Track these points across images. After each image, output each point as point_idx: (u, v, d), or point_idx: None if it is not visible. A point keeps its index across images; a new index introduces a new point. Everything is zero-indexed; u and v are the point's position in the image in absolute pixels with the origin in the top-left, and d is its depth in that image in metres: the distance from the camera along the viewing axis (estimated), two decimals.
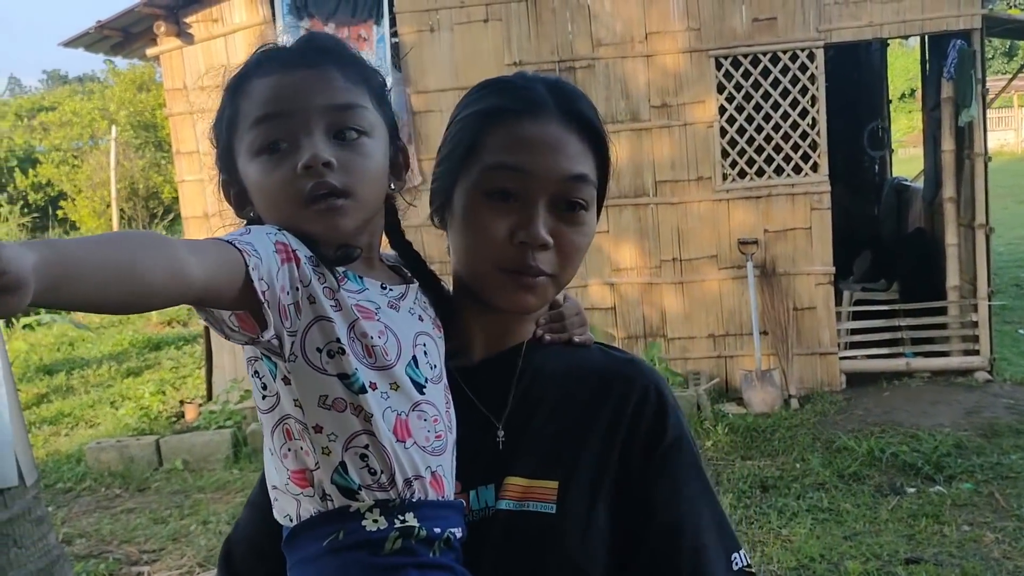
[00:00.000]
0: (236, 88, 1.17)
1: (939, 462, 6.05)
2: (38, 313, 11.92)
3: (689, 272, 8.05)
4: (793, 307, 7.91)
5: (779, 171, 7.87)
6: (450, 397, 1.23)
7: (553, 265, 1.24)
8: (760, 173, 7.90)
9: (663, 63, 7.89)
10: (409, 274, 1.29)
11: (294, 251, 1.06)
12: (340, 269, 1.13)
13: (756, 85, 7.82)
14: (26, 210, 20.37)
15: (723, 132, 7.88)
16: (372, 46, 7.82)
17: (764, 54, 7.76)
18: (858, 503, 5.55)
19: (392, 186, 1.24)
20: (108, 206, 18.10)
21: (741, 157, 7.91)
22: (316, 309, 1.07)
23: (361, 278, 1.16)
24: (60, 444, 8.39)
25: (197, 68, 8.35)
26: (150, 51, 8.67)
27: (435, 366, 1.21)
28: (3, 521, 3.57)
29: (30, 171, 21.26)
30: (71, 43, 8.60)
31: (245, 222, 1.19)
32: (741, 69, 7.78)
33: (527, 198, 1.22)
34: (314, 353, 1.08)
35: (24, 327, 12.65)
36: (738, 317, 8.00)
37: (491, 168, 1.23)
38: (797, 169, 7.85)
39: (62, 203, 20.54)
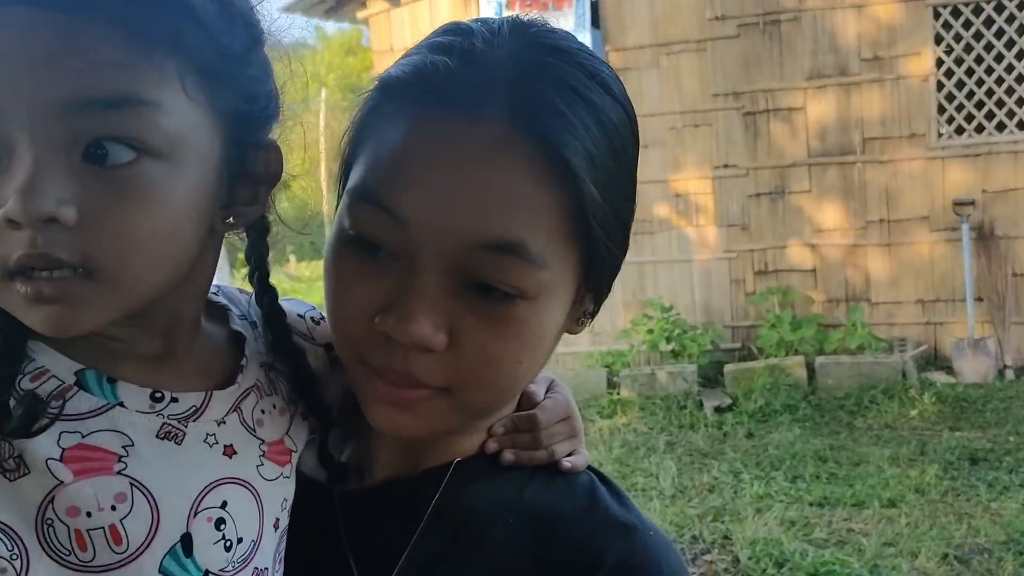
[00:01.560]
0: None
1: None
2: None
3: (897, 234, 7.69)
4: (1012, 272, 7.42)
5: (1001, 127, 7.38)
6: None
7: (445, 376, 0.75)
8: (979, 130, 7.44)
9: (875, 14, 7.51)
10: (263, 348, 0.84)
11: None
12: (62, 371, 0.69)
13: (977, 35, 7.33)
14: None
15: (939, 86, 7.45)
16: (571, 3, 7.85)
17: (987, 2, 7.25)
18: None
19: (230, 219, 0.75)
20: (316, 165, 19.16)
21: (959, 112, 7.45)
22: None
23: (112, 382, 0.70)
24: None
25: (403, 31, 8.64)
26: (360, 14, 9.06)
27: (246, 538, 0.75)
28: None
29: None
30: (290, 8, 9.12)
31: None
32: (961, 19, 7.30)
33: (407, 259, 0.73)
34: None
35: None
36: (950, 282, 7.59)
37: (353, 196, 0.75)
38: (1021, 125, 7.32)
39: None
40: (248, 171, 0.74)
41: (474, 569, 0.81)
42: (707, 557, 4.34)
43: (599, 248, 0.76)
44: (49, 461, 0.65)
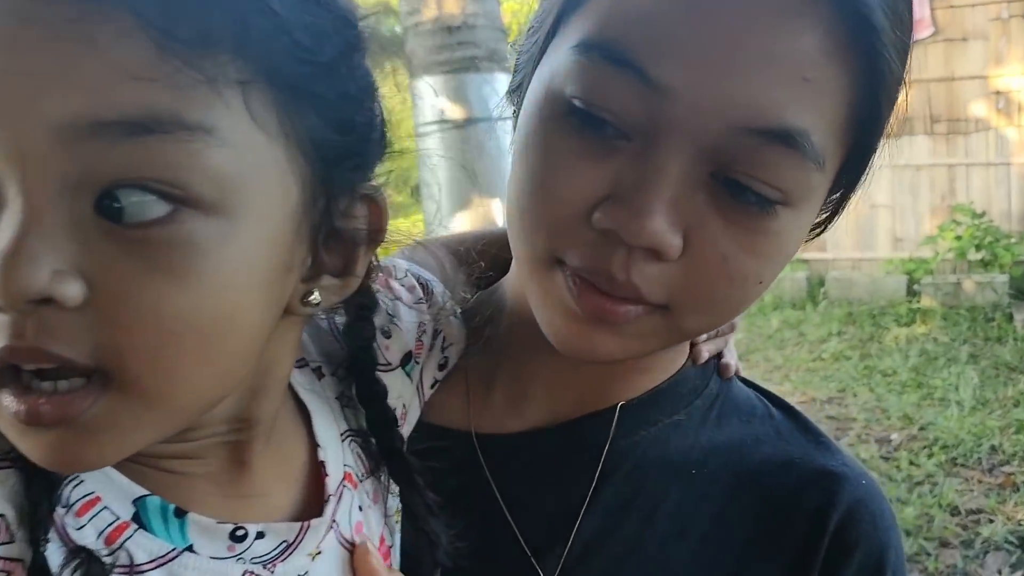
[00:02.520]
0: None
1: None
2: None
3: None
4: None
5: None
6: None
7: (669, 290, 0.61)
8: None
9: None
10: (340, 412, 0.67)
11: None
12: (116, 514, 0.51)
13: None
14: None
15: None
16: None
17: None
18: None
19: (313, 296, 0.54)
20: None
21: None
22: None
23: (181, 515, 0.52)
24: None
25: None
26: None
27: None
28: None
29: None
30: None
31: None
32: None
33: (647, 140, 0.58)
34: None
35: None
36: None
37: (586, 52, 0.59)
38: None
39: None
40: (340, 228, 0.53)
41: (660, 524, 0.72)
42: (1005, 468, 4.24)
43: (874, 144, 0.63)
44: None
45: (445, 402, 0.78)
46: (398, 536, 0.69)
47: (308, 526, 0.58)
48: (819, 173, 0.60)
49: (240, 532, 0.54)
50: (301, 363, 0.66)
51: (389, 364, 0.71)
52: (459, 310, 0.78)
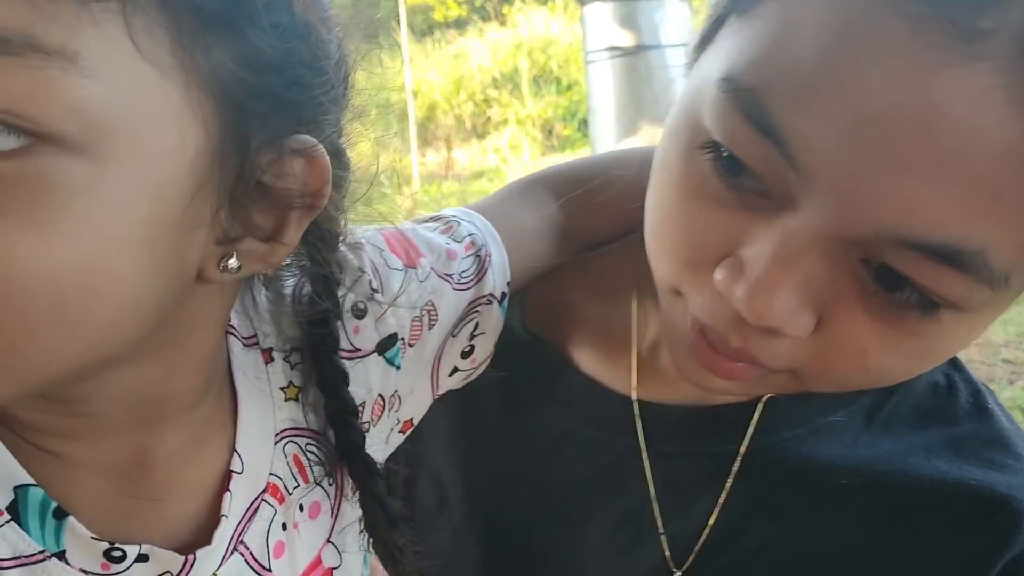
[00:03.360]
0: None
1: None
2: None
3: None
4: None
5: None
6: None
7: (796, 360, 0.52)
8: None
9: None
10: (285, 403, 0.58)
11: None
12: None
13: None
14: None
15: None
16: None
17: None
18: None
19: (230, 261, 0.46)
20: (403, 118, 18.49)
21: None
22: None
23: (60, 517, 0.47)
24: None
25: None
26: None
27: None
28: None
29: None
30: None
31: None
32: None
33: (791, 207, 0.47)
34: None
35: None
36: None
37: (725, 90, 0.47)
38: None
39: None
40: (268, 185, 0.45)
41: (798, 532, 0.65)
42: None
43: None
44: None
45: (609, 362, 0.72)
46: (362, 555, 0.61)
47: (194, 559, 0.49)
48: (1002, 291, 0.46)
49: (117, 553, 0.47)
50: (250, 341, 0.57)
51: (357, 350, 0.60)
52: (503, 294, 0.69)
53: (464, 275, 0.66)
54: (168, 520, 0.51)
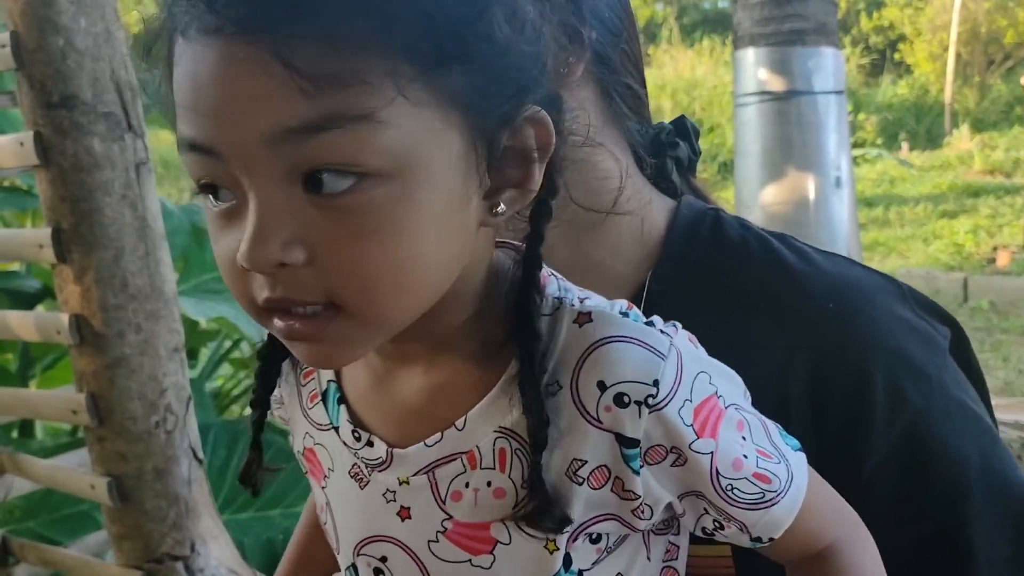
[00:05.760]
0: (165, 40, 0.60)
1: None
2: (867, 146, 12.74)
3: None
4: None
5: None
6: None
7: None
8: None
9: None
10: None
11: None
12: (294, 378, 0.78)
13: None
14: (866, 52, 21.27)
15: None
16: None
17: None
18: None
19: (499, 207, 0.62)
20: (945, 50, 18.03)
21: None
22: None
23: (341, 403, 0.71)
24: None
25: None
26: None
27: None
28: None
29: (875, 13, 21.96)
30: None
31: None
32: None
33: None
34: None
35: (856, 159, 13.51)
36: None
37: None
38: None
39: (900, 46, 20.94)
40: (510, 146, 0.61)
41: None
42: None
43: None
44: (298, 452, 0.77)
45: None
46: (543, 543, 0.66)
47: (393, 454, 0.67)
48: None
49: (356, 434, 0.69)
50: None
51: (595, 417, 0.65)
52: None
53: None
54: (396, 425, 0.68)
